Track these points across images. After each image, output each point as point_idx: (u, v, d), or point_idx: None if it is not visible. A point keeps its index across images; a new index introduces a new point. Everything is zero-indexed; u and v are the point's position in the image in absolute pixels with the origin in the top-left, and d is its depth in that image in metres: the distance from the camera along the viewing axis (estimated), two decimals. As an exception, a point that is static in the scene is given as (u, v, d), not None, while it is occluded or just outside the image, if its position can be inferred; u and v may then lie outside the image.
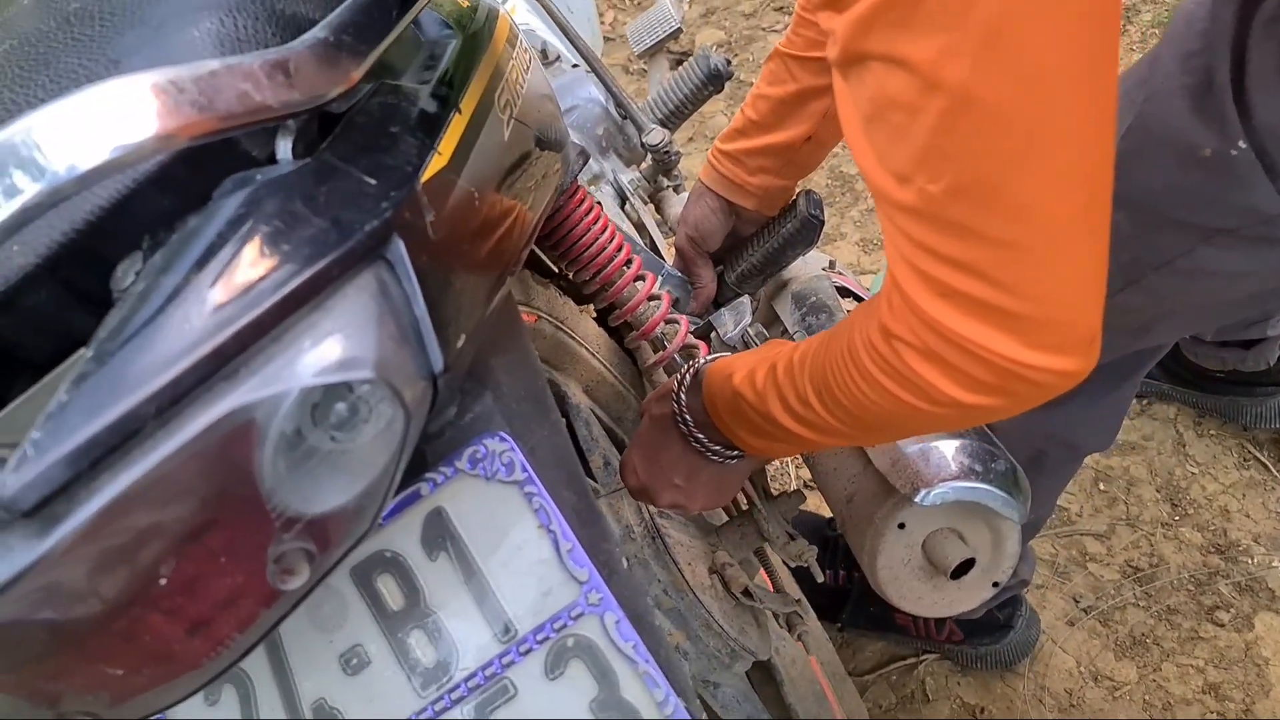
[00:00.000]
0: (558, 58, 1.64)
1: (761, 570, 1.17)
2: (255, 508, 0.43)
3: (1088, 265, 0.54)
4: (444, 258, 0.53)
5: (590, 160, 1.44)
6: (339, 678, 0.58)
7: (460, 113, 0.62)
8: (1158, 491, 1.52)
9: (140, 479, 0.38)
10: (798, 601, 1.08)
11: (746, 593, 1.02)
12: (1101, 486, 1.53)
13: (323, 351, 0.44)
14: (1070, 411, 0.96)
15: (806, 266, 1.16)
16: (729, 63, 1.55)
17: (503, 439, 0.57)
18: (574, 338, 1.24)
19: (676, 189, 1.54)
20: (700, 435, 0.81)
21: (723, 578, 1.02)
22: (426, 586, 0.57)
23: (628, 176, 1.47)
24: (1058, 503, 1.53)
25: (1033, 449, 0.98)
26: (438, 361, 0.49)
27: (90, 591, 0.40)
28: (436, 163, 0.56)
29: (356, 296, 0.47)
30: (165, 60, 0.54)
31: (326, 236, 0.47)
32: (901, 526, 0.83)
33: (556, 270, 1.29)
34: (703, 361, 0.85)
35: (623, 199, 1.42)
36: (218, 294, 0.42)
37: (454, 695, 0.56)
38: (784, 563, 1.19)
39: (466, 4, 0.80)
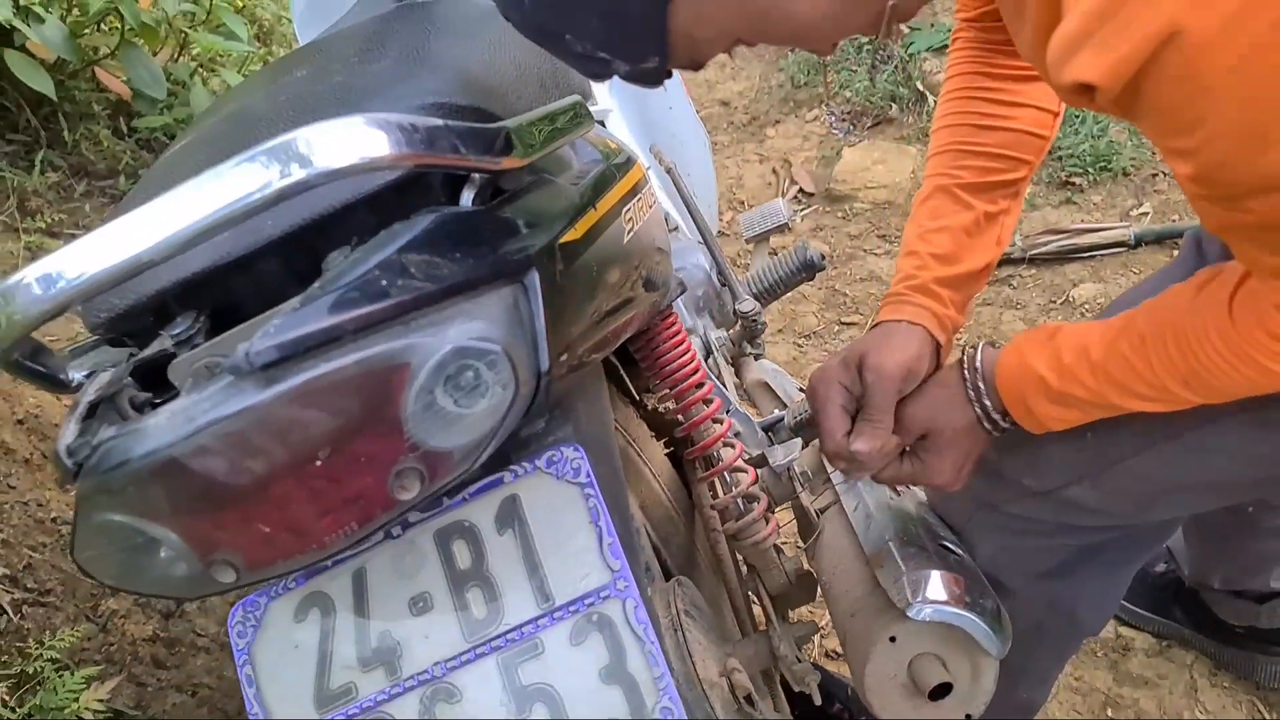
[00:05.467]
0: (676, 228, 1.86)
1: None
2: (395, 427, 0.59)
3: None
4: (563, 298, 0.70)
5: (686, 316, 1.62)
6: (406, 616, 0.71)
7: (595, 210, 0.80)
8: (1165, 729, 1.56)
9: (335, 371, 0.55)
10: (794, 724, 1.16)
11: (749, 699, 1.11)
12: (1110, 712, 1.58)
13: (468, 327, 0.60)
14: (1073, 583, 1.06)
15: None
16: (823, 256, 1.75)
17: (576, 449, 0.72)
18: (641, 456, 1.39)
19: (756, 357, 1.71)
20: (996, 417, 0.93)
21: (730, 681, 1.12)
22: (491, 555, 0.71)
23: (716, 334, 1.65)
24: None
25: (1034, 618, 1.07)
26: (544, 362, 0.64)
27: (274, 447, 0.55)
28: (571, 235, 0.74)
29: (498, 300, 0.63)
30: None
31: (486, 255, 0.64)
32: (893, 640, 0.93)
33: (637, 399, 1.45)
34: (980, 350, 0.94)
35: (708, 353, 1.59)
36: (409, 269, 0.59)
37: (494, 644, 0.69)
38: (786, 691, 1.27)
39: (615, 146, 1.01)
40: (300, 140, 0.58)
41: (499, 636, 0.69)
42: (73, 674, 1.34)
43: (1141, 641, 1.69)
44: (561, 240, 0.71)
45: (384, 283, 0.58)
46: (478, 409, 0.62)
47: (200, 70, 2.69)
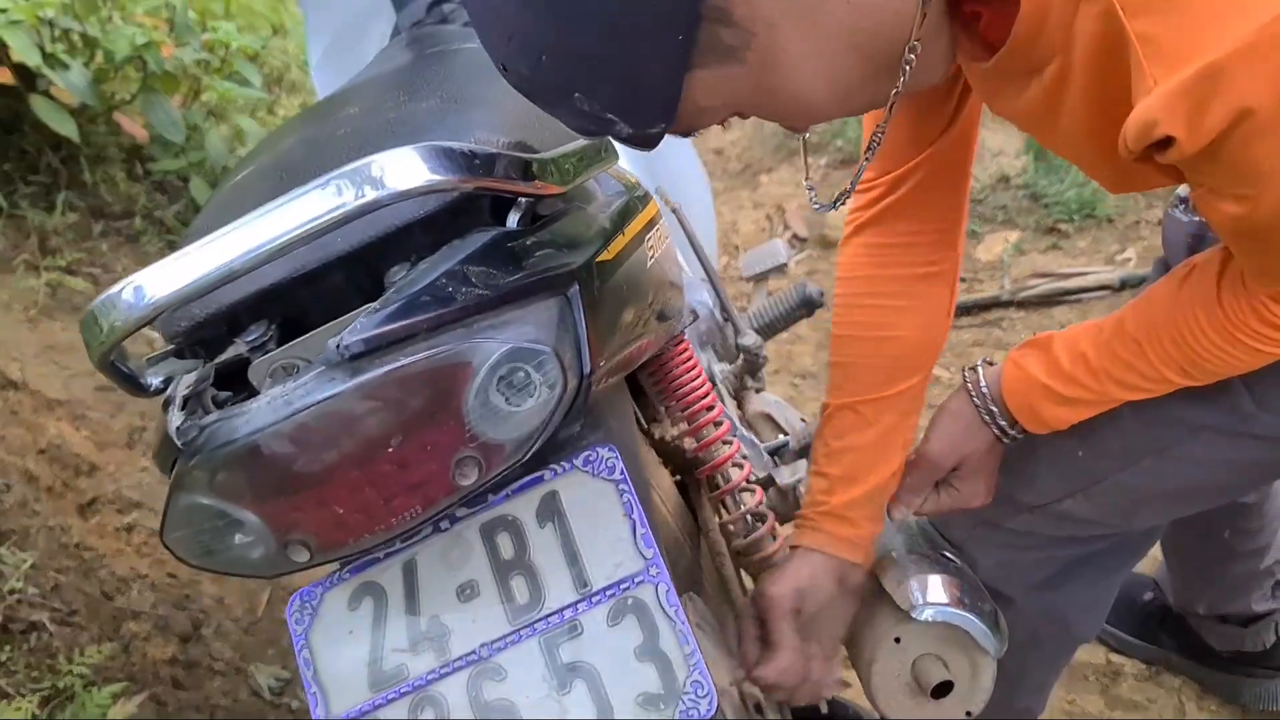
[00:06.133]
0: (681, 266, 1.94)
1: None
2: (457, 419, 0.66)
3: None
4: (600, 310, 0.77)
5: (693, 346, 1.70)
6: (453, 603, 0.77)
7: (624, 235, 0.88)
8: (1154, 750, 1.61)
9: (411, 364, 0.62)
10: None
11: (758, 708, 1.17)
12: (1101, 732, 1.64)
13: (521, 330, 0.67)
14: (1066, 592, 1.13)
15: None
16: (821, 294, 1.83)
17: (610, 449, 0.78)
18: (650, 482, 1.45)
19: (758, 390, 1.78)
20: (1011, 432, 1.01)
21: (740, 690, 1.17)
22: (532, 545, 0.77)
23: (719, 368, 1.72)
24: (1056, 739, 1.63)
25: (1031, 627, 1.13)
26: (588, 365, 0.71)
27: (357, 432, 0.62)
28: (605, 255, 0.81)
29: (546, 309, 0.70)
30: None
31: (534, 269, 0.71)
32: (897, 641, 0.99)
33: (645, 428, 1.51)
34: (981, 373, 1.02)
35: (711, 384, 1.66)
36: (470, 279, 0.66)
37: (536, 626, 0.75)
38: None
39: (634, 180, 1.08)
40: (374, 165, 0.65)
41: (541, 619, 0.75)
42: (100, 690, 1.38)
43: (1131, 667, 1.75)
44: (597, 259, 0.79)
45: (450, 289, 0.65)
46: (527, 406, 0.69)
47: (212, 116, 2.78)
